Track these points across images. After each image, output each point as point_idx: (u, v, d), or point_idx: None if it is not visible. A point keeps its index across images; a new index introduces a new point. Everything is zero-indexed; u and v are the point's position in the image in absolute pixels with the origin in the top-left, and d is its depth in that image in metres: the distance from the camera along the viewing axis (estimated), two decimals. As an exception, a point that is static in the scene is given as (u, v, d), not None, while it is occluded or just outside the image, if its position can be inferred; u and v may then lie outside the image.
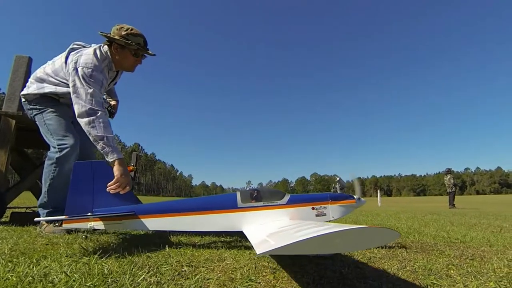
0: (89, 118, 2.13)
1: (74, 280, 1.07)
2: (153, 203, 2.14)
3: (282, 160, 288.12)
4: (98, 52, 2.37)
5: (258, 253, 1.00)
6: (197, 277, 1.23)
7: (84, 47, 2.50)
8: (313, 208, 2.03)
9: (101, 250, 1.69)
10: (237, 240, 2.33)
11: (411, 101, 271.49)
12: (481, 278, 1.35)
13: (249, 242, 2.14)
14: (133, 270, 1.29)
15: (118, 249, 1.77)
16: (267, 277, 1.31)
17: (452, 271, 1.46)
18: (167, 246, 1.88)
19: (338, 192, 2.44)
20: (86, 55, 2.30)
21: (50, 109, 2.46)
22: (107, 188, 1.97)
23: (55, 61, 2.47)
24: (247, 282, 1.22)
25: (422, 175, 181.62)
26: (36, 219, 2.04)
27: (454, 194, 12.99)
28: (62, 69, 2.39)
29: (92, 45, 2.58)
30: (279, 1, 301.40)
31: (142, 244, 2.00)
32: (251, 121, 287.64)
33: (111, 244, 1.91)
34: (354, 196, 2.18)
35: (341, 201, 2.10)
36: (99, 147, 2.12)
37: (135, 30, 2.42)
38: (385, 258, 1.74)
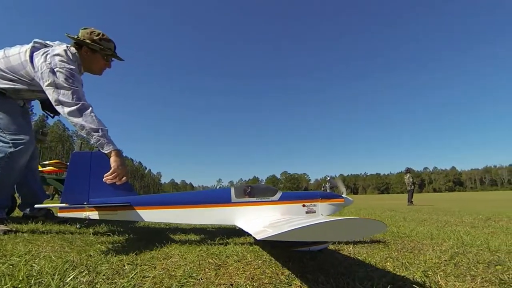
0: (81, 113, 2.12)
1: (-10, 283, 0.99)
2: (149, 195, 2.18)
3: (252, 158, 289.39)
4: (69, 53, 2.32)
5: (258, 238, 1.10)
6: (133, 275, 1.20)
7: (46, 45, 2.40)
8: (303, 205, 2.09)
9: (39, 250, 1.60)
10: (188, 238, 2.30)
11: (377, 104, 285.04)
12: (411, 268, 1.45)
13: (199, 238, 2.14)
14: (67, 270, 1.22)
15: (58, 248, 1.68)
16: (209, 273, 1.30)
17: (388, 263, 1.55)
18: (112, 245, 1.82)
19: (328, 191, 2.53)
20: (60, 56, 2.25)
21: None
22: (104, 179, 1.99)
23: (9, 56, 2.32)
24: (186, 279, 1.20)
25: (386, 174, 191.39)
26: (36, 205, 2.19)
27: (412, 192, 13.87)
28: (23, 67, 2.29)
29: (49, 42, 2.47)
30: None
31: (87, 243, 1.91)
32: (220, 119, 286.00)
33: (51, 244, 1.79)
34: (343, 196, 2.27)
35: (330, 200, 2.18)
36: (93, 140, 2.10)
37: (106, 35, 2.47)
38: (330, 253, 1.80)
